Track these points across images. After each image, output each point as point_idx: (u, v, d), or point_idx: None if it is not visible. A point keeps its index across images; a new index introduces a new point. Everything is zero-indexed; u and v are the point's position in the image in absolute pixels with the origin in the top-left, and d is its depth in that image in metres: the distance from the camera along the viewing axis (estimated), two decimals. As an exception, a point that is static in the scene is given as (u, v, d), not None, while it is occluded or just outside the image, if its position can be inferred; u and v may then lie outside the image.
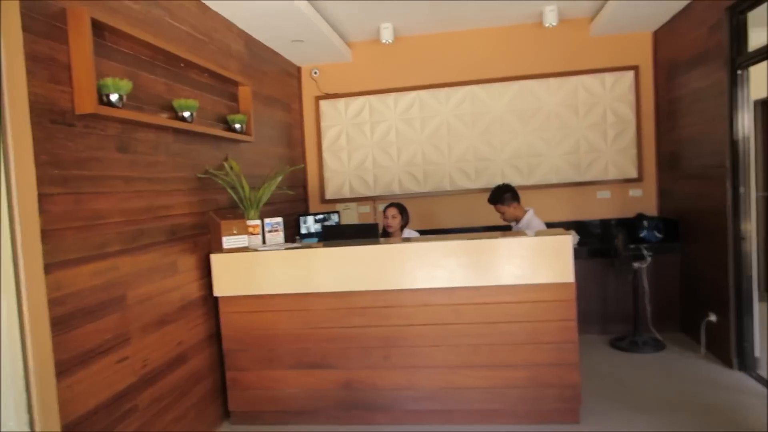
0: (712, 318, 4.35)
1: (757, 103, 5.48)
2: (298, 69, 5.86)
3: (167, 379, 3.10)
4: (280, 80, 5.29)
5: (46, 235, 2.23)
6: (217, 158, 3.84)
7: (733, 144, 3.94)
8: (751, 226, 3.98)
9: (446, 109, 5.67)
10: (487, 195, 4.65)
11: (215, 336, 3.67)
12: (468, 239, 3.46)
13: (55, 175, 2.33)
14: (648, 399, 3.74)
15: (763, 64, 3.70)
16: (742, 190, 3.97)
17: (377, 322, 3.51)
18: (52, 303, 2.25)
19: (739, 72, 3.84)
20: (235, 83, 4.12)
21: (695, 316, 4.68)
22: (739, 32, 3.83)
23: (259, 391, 3.64)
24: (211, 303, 3.64)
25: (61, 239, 2.35)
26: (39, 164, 2.22)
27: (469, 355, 3.46)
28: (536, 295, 3.39)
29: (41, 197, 2.22)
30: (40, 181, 2.22)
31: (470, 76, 5.61)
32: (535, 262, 3.36)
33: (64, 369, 2.30)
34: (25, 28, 2.19)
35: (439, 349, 3.48)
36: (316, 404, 3.61)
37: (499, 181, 5.24)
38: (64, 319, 2.33)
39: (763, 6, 3.55)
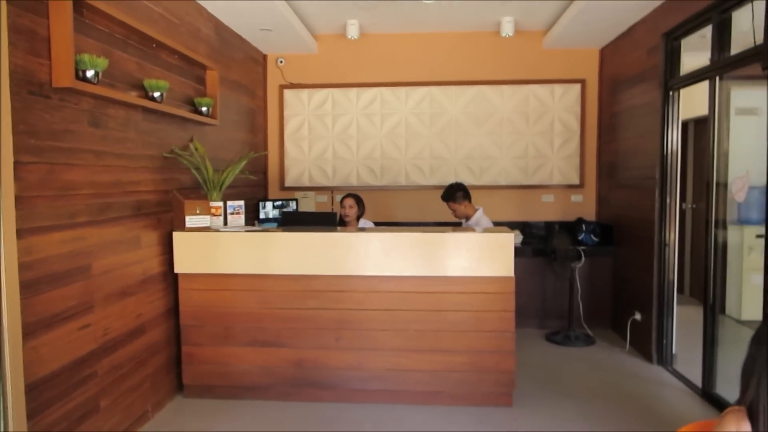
0: (637, 317, 4.76)
1: (691, 121, 5.97)
2: (264, 57, 5.96)
3: (126, 348, 3.20)
4: (246, 66, 5.39)
5: (19, 201, 2.32)
6: (182, 139, 3.94)
7: (663, 158, 4.33)
8: (674, 235, 4.39)
9: (406, 108, 5.90)
10: (440, 192, 4.91)
11: (173, 311, 3.78)
12: (419, 232, 3.71)
13: (31, 145, 2.42)
14: (575, 387, 4.08)
15: (703, 85, 4.07)
16: (668, 200, 4.36)
17: (330, 305, 3.71)
18: (23, 267, 2.33)
19: (671, 93, 4.23)
20: (204, 67, 4.21)
21: (623, 315, 5.09)
22: (673, 56, 4.22)
23: (213, 366, 3.77)
24: (170, 279, 3.75)
25: (34, 206, 2.43)
26: (16, 133, 2.30)
27: (415, 340, 3.70)
28: (479, 286, 3.66)
29: (17, 165, 2.30)
30: (17, 149, 2.31)
31: (430, 77, 5.86)
32: (480, 256, 3.63)
33: (30, 331, 2.40)
34: (9, 0, 2.26)
35: (387, 333, 3.71)
36: (267, 380, 3.77)
37: (452, 180, 5.52)
38: (32, 283, 2.42)
39: (696, 33, 3.92)
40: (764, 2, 2.73)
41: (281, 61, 5.96)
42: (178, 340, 3.81)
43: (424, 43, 5.85)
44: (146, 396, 3.44)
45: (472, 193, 4.84)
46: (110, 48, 3.05)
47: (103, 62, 2.75)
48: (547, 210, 5.97)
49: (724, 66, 3.52)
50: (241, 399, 3.79)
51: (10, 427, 2.14)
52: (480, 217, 4.68)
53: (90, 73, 2.70)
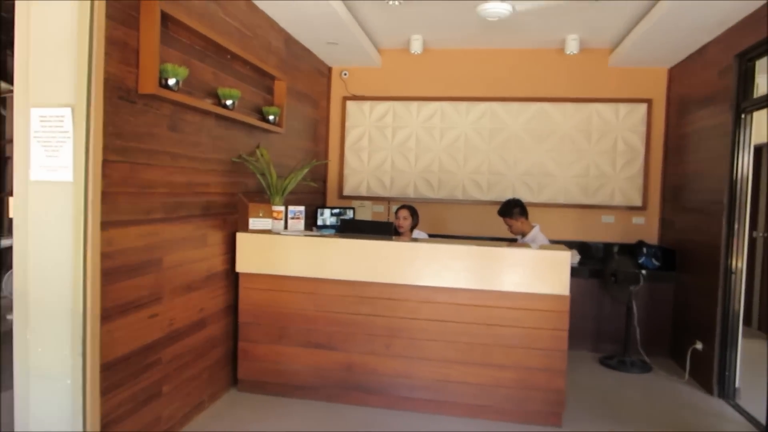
0: (699, 346, 4.59)
1: (766, 146, 5.73)
2: (329, 69, 6.16)
3: (188, 340, 3.39)
4: (311, 78, 5.60)
5: (105, 196, 2.53)
6: (249, 145, 4.14)
7: (732, 183, 4.18)
8: (742, 263, 4.22)
9: (465, 122, 5.95)
10: (497, 207, 4.92)
11: (232, 308, 3.97)
12: (475, 245, 3.74)
13: (117, 145, 2.64)
14: (628, 414, 3.98)
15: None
16: (736, 227, 4.21)
17: (383, 312, 3.79)
18: (104, 257, 2.54)
19: (743, 116, 4.09)
20: (273, 77, 4.42)
21: (683, 343, 4.92)
22: (746, 78, 4.09)
23: (267, 363, 3.92)
24: (232, 277, 3.94)
25: (116, 202, 2.65)
26: (106, 134, 2.52)
27: (464, 352, 3.72)
28: (533, 303, 3.64)
29: (104, 163, 2.51)
30: (105, 148, 2.52)
31: (491, 93, 5.88)
32: (535, 273, 3.62)
33: (107, 315, 2.60)
34: (107, 15, 2.49)
35: (437, 343, 3.75)
36: (317, 381, 3.88)
37: (509, 196, 5.51)
38: (111, 272, 2.63)
39: (772, 56, 3.81)
40: None
41: (345, 74, 6.14)
42: (235, 336, 3.99)
43: (487, 58, 5.89)
44: (204, 386, 3.62)
45: (529, 210, 4.82)
46: (189, 58, 3.28)
47: (183, 71, 2.96)
48: (607, 231, 5.85)
49: (801, 90, 3.40)
50: (291, 397, 3.92)
51: (87, 402, 2.33)
52: (536, 234, 4.66)
53: (172, 81, 2.91)
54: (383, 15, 4.88)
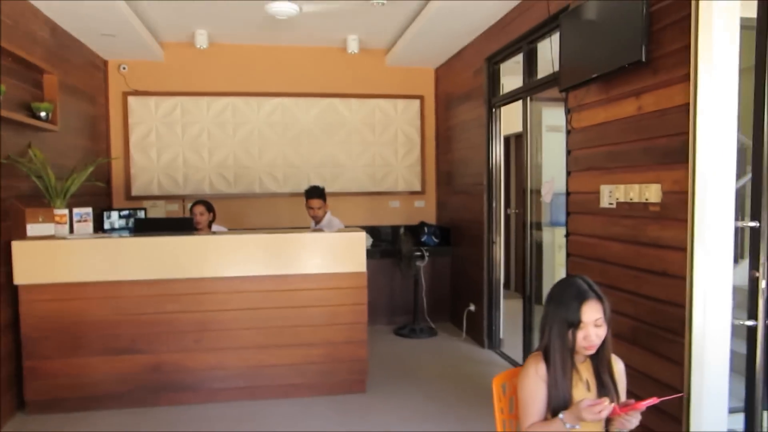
0: (472, 308, 5.39)
1: (513, 136, 6.85)
2: (105, 62, 5.74)
3: (-39, 365, 2.98)
4: (85, 72, 5.17)
5: None
6: (19, 145, 3.73)
7: (489, 168, 5.00)
8: (500, 236, 5.07)
9: (258, 117, 6.05)
10: (294, 199, 5.14)
11: (12, 325, 3.55)
12: (277, 233, 3.91)
13: None
14: (421, 372, 4.54)
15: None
16: (494, 205, 5.03)
17: (190, 307, 3.76)
18: None
19: (494, 110, 4.92)
20: (41, 70, 4.03)
21: (460, 307, 5.72)
22: (494, 78, 4.92)
23: (61, 378, 3.61)
24: (9, 291, 3.52)
25: None
26: None
27: (275, 336, 3.89)
28: (335, 282, 3.96)
29: None
30: None
31: (282, 88, 6.08)
32: (335, 254, 3.94)
33: None
34: None
35: (248, 331, 3.85)
36: (122, 388, 3.70)
37: (305, 187, 5.75)
38: None
39: (512, 59, 4.62)
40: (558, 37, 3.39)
41: (124, 68, 5.78)
42: (18, 356, 3.58)
43: (275, 55, 6.05)
44: (-16, 416, 3.21)
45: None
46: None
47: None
48: (394, 215, 6.47)
49: (533, 88, 4.23)
50: (94, 410, 3.67)
51: None
52: (330, 218, 4.99)
53: None
54: (165, 7, 4.73)
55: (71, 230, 3.78)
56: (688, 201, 2.41)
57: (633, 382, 2.74)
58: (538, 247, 5.04)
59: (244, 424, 3.52)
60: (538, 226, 5.01)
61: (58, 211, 3.68)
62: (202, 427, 3.48)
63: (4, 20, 3.57)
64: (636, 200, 2.75)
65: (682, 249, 2.46)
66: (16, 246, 3.48)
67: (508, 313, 5.18)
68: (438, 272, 6.07)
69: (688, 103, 2.37)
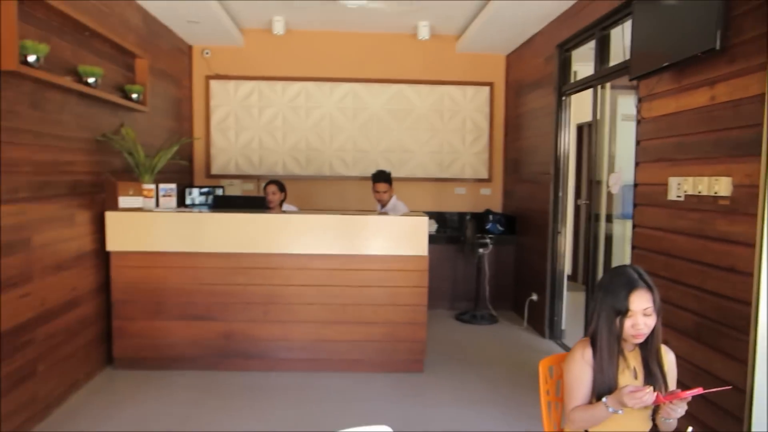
0: (534, 297, 5.37)
1: (586, 125, 6.69)
2: (190, 47, 6.08)
3: (61, 319, 3.35)
4: (172, 56, 5.52)
5: (-32, 174, 2.46)
6: (113, 124, 4.07)
7: (556, 157, 4.93)
8: (565, 226, 5.00)
9: (330, 102, 6.24)
10: (362, 183, 5.29)
11: (104, 287, 3.93)
12: (343, 215, 4.07)
13: (-22, 122, 2.56)
14: (478, 357, 4.60)
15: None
16: (560, 194, 4.97)
17: (260, 281, 3.99)
18: (-29, 236, 2.48)
19: (563, 98, 4.84)
20: (133, 55, 4.35)
21: (522, 296, 5.70)
22: (565, 65, 4.83)
23: (144, 339, 3.96)
24: (102, 257, 3.89)
25: (-20, 180, 2.58)
26: (-35, 110, 2.44)
27: (338, 313, 4.06)
28: (397, 264, 4.07)
29: (-34, 140, 2.45)
30: (-34, 125, 2.45)
31: (353, 74, 6.22)
32: (398, 237, 4.05)
33: (-24, 296, 2.54)
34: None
35: (312, 306, 4.05)
36: (197, 352, 4.01)
37: (373, 170, 5.90)
38: (-22, 252, 2.57)
39: (586, 45, 4.53)
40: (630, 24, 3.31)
41: (207, 53, 6.11)
42: (108, 315, 3.96)
43: (348, 41, 6.20)
44: (78, 366, 3.59)
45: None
46: (47, 34, 3.18)
47: (44, 48, 2.90)
48: (460, 201, 6.51)
49: (604, 76, 4.13)
50: (170, 369, 3.99)
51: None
52: (396, 202, 5.10)
53: (32, 58, 2.85)
54: (246, -5, 4.96)
55: (157, 204, 4.10)
56: (760, 195, 2.33)
57: (694, 377, 2.71)
58: (608, 239, 4.94)
59: (306, 393, 3.73)
60: (609, 218, 4.91)
61: (146, 186, 4.00)
62: (267, 393, 3.71)
63: (101, 8, 3.89)
64: (705, 193, 2.68)
65: (751, 245, 2.38)
66: (110, 216, 3.83)
67: (572, 304, 5.12)
68: (502, 260, 6.06)
69: (764, 94, 2.28)
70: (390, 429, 1.60)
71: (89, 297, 3.73)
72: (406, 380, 4.01)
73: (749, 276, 2.39)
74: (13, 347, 2.86)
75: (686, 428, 1.78)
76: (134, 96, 4.26)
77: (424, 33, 5.76)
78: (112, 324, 3.93)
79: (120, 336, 3.94)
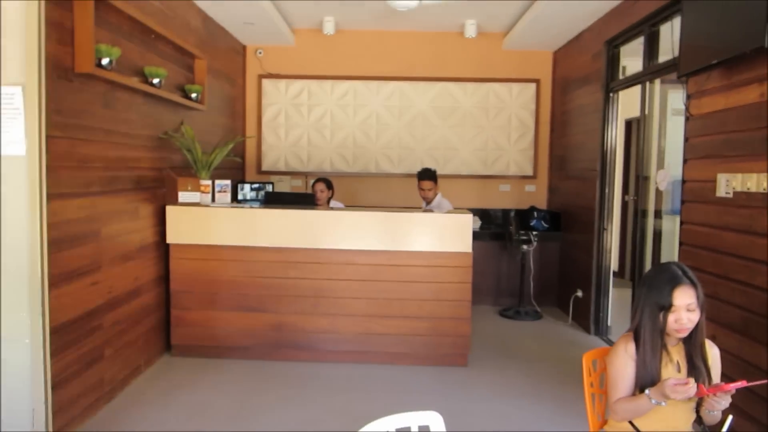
0: (579, 294, 5.35)
1: (635, 120, 6.58)
2: (244, 47, 6.31)
3: (125, 307, 3.59)
4: (227, 56, 5.75)
5: (49, 170, 2.69)
6: (174, 122, 4.31)
7: (603, 153, 4.91)
8: (611, 223, 4.97)
9: (377, 100, 6.36)
10: (407, 180, 5.38)
11: (164, 278, 4.17)
12: (389, 212, 4.18)
13: (58, 122, 2.79)
14: (523, 352, 4.64)
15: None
16: (607, 191, 4.95)
17: (309, 275, 4.15)
18: (50, 227, 2.71)
19: (611, 94, 4.81)
20: (193, 56, 4.58)
21: (567, 292, 5.69)
22: (613, 62, 4.80)
23: (199, 328, 4.17)
24: (162, 248, 4.13)
25: (60, 175, 2.81)
26: (48, 111, 2.66)
27: (383, 307, 4.18)
28: (442, 261, 4.15)
29: (48, 138, 2.67)
30: (48, 125, 2.67)
31: (399, 72, 6.33)
32: (443, 234, 4.13)
33: (54, 282, 2.77)
34: (44, -4, 2.62)
35: (359, 300, 4.18)
36: (249, 341, 4.20)
37: (418, 168, 5.99)
38: (57, 241, 2.80)
39: (634, 42, 4.49)
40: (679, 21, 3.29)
41: (260, 53, 6.32)
42: (167, 304, 4.20)
43: (395, 40, 6.30)
44: (140, 352, 3.83)
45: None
46: (117, 38, 3.41)
47: (116, 51, 3.12)
48: (504, 198, 6.52)
49: (652, 73, 4.10)
50: (224, 358, 4.20)
51: (39, 362, 2.53)
52: (440, 200, 5.18)
53: (105, 61, 3.07)
54: (298, -2, 5.13)
55: (213, 199, 4.31)
56: (810, 193, 2.31)
57: (742, 372, 2.71)
58: (656, 235, 4.88)
59: (353, 383, 3.86)
60: (658, 214, 4.85)
61: (203, 182, 4.22)
62: (315, 382, 3.86)
63: (165, 11, 4.12)
64: (753, 190, 2.66)
65: (800, 242, 2.37)
66: (170, 210, 4.06)
67: (618, 300, 5.09)
68: (546, 257, 6.05)
69: (815, 91, 2.26)
70: (438, 414, 1.68)
71: (150, 287, 3.97)
72: (450, 373, 4.09)
73: (799, 273, 2.38)
74: (84, 332, 3.10)
75: (726, 417, 1.81)
76: (193, 95, 4.48)
77: (471, 31, 5.81)
78: (171, 313, 4.16)
79: (178, 324, 4.17)
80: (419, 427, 1.64)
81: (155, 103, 3.93)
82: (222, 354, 4.21)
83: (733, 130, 2.85)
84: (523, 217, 6.14)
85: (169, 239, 4.08)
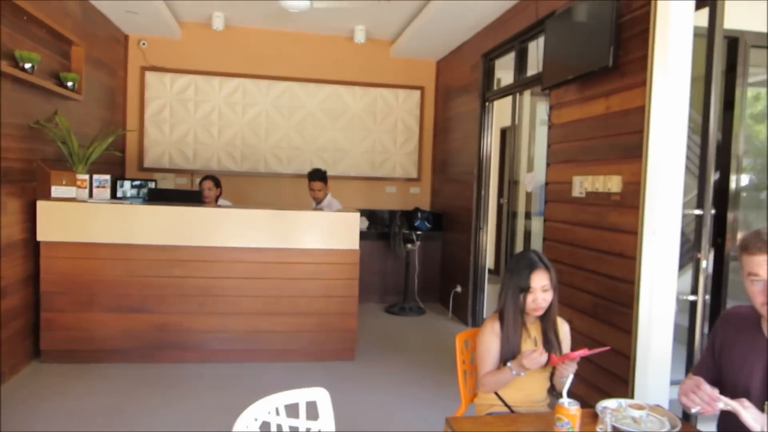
0: (458, 289, 5.72)
1: (510, 128, 7.13)
2: (126, 37, 6.02)
3: (-13, 310, 3.32)
4: (108, 45, 5.47)
5: None
6: (47, 111, 4.04)
7: (480, 159, 5.30)
8: (487, 223, 5.37)
9: (266, 100, 6.35)
10: (296, 180, 5.44)
11: (32, 278, 3.89)
12: (278, 210, 4.23)
13: None
14: (406, 345, 4.89)
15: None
16: (483, 193, 5.34)
17: (196, 273, 4.08)
18: None
19: (486, 104, 5.21)
20: (70, 42, 4.32)
21: (448, 288, 6.05)
22: (489, 73, 5.21)
23: (74, 331, 3.94)
24: (31, 246, 3.86)
25: None
26: None
27: (273, 305, 4.21)
28: (330, 258, 4.27)
29: None
30: None
31: (290, 73, 6.37)
32: (331, 232, 4.25)
33: None
34: None
35: (248, 298, 4.18)
36: (130, 344, 4.04)
37: (308, 169, 6.07)
38: None
39: (508, 56, 4.91)
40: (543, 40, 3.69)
41: (144, 44, 6.08)
42: (36, 307, 3.92)
43: (286, 41, 6.34)
44: (3, 358, 3.53)
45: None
46: (-18, 18, 3.17)
47: (-19, 32, 2.91)
48: (390, 199, 6.79)
49: (522, 85, 4.52)
50: (102, 362, 4.00)
51: None
52: (331, 200, 5.30)
53: (-32, 42, 2.85)
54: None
55: (90, 195, 4.10)
56: (641, 191, 2.72)
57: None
58: (526, 234, 5.35)
59: (241, 382, 3.86)
60: (528, 216, 5.32)
61: (80, 176, 4.01)
62: (201, 383, 3.81)
63: (38, -5, 3.87)
64: (601, 190, 3.07)
65: (635, 233, 2.78)
66: (41, 205, 3.81)
67: (493, 295, 5.48)
68: (429, 255, 6.38)
69: (645, 105, 2.68)
70: (325, 390, 1.78)
71: (17, 288, 3.69)
72: (338, 367, 4.22)
73: (633, 259, 2.78)
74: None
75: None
76: (69, 84, 4.24)
77: (360, 36, 6.00)
78: (41, 316, 3.89)
79: (48, 328, 3.91)
80: (307, 402, 1.75)
81: (25, 89, 3.68)
82: (99, 358, 4.01)
83: (585, 138, 3.26)
84: (408, 217, 6.43)
85: (40, 236, 3.83)
